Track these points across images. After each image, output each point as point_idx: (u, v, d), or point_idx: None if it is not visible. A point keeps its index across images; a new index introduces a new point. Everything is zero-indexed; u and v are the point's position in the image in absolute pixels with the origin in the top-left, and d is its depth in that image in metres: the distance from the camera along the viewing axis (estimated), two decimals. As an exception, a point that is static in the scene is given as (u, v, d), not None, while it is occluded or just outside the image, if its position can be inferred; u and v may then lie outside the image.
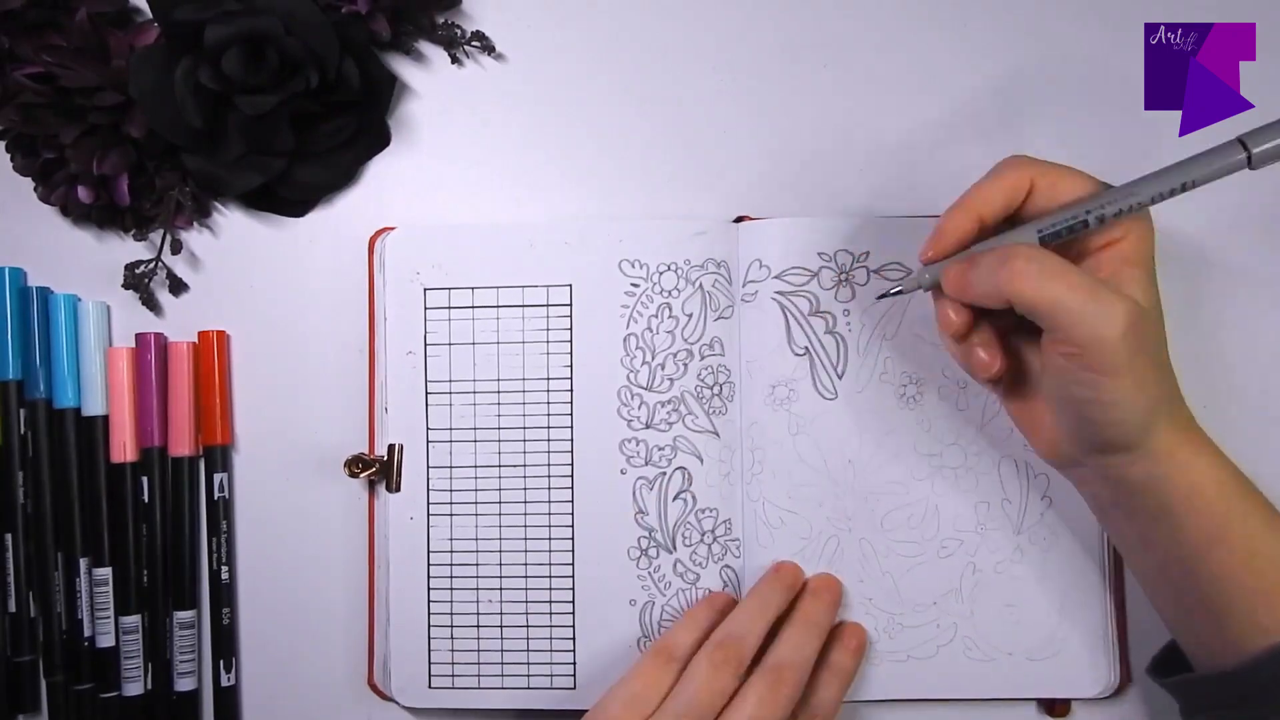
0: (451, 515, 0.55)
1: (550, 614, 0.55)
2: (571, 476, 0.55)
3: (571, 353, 0.55)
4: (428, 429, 0.55)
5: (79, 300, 0.57)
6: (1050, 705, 0.55)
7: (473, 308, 0.55)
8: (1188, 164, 0.44)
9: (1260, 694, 0.44)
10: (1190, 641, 0.48)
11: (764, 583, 0.53)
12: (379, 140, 0.57)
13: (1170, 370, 0.46)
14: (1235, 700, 0.45)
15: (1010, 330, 0.47)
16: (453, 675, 0.55)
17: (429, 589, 0.55)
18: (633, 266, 0.55)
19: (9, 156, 0.55)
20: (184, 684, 0.56)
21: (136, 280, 0.56)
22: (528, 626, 0.55)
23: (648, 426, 0.54)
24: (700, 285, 0.54)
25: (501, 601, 0.55)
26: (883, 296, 0.50)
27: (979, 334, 0.47)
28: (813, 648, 0.50)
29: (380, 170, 0.57)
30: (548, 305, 0.55)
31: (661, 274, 0.55)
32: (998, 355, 0.46)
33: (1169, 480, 0.45)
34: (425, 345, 0.55)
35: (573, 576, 0.55)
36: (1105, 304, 0.42)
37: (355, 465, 0.54)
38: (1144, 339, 0.43)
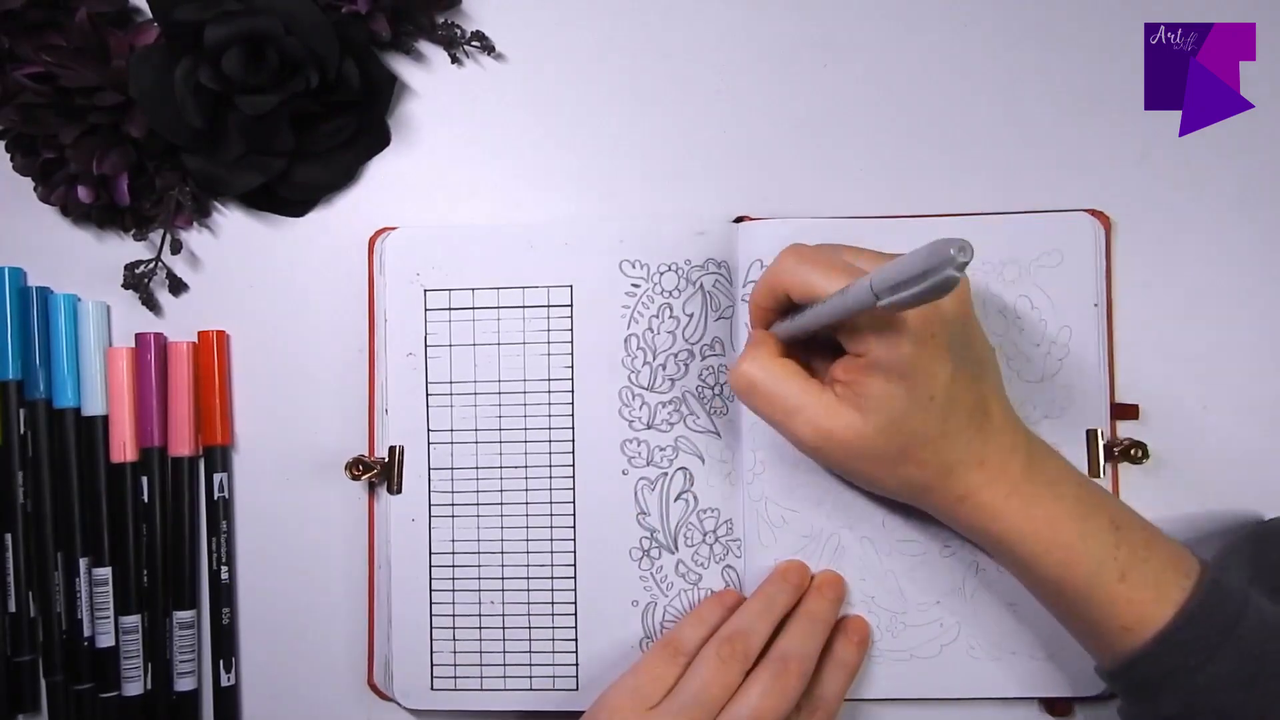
0: (453, 517, 0.55)
1: (552, 615, 0.55)
2: (573, 477, 0.55)
3: (572, 353, 0.55)
4: (428, 430, 0.55)
5: (79, 300, 0.57)
6: (1052, 705, 0.55)
7: (473, 309, 0.55)
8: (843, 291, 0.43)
9: (1139, 690, 0.45)
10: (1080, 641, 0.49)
11: (770, 581, 0.53)
12: (379, 140, 0.57)
13: (949, 447, 0.46)
14: (1126, 693, 0.47)
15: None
16: (455, 677, 0.55)
17: (431, 590, 0.55)
18: (633, 267, 0.55)
19: (9, 156, 0.55)
20: (184, 684, 0.56)
21: (136, 280, 0.56)
22: (530, 628, 0.55)
23: (649, 427, 0.54)
24: (701, 285, 0.54)
25: (503, 603, 0.55)
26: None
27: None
28: (817, 641, 0.51)
29: (380, 170, 0.57)
30: (548, 306, 0.55)
31: (662, 274, 0.55)
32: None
33: (959, 522, 0.48)
34: (426, 346, 0.55)
35: (575, 577, 0.55)
36: (795, 428, 0.47)
37: (356, 468, 0.54)
38: (845, 448, 0.46)
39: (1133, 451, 0.53)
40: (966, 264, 0.35)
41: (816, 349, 0.49)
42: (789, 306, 0.48)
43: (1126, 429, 0.54)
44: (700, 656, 0.49)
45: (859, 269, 0.45)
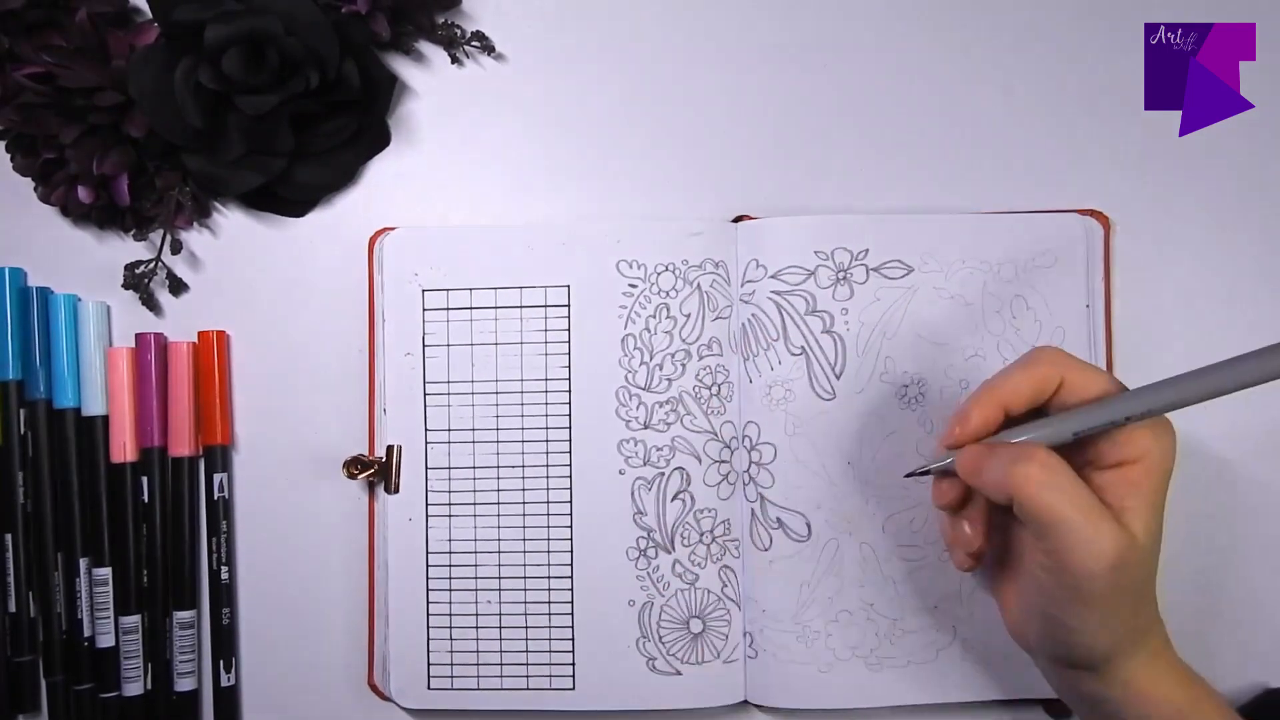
0: (450, 516, 0.55)
1: (549, 614, 0.55)
2: (570, 477, 0.55)
3: (569, 353, 0.55)
4: (426, 430, 0.55)
5: (79, 300, 0.57)
6: (1052, 706, 0.54)
7: (470, 309, 0.55)
8: (1218, 370, 0.42)
9: None
10: None
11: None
12: (379, 140, 0.57)
13: (1151, 600, 0.45)
14: None
15: (1002, 510, 0.46)
16: (452, 676, 0.55)
17: (428, 590, 0.55)
18: (630, 267, 0.55)
19: (9, 156, 0.55)
20: (184, 684, 0.56)
21: (136, 280, 0.56)
22: (527, 627, 0.55)
23: (646, 427, 0.54)
24: (698, 285, 0.54)
25: (500, 602, 0.55)
26: (910, 475, 0.49)
27: (970, 509, 0.47)
28: None
29: (380, 170, 0.57)
30: (545, 306, 0.55)
31: (659, 274, 0.55)
32: (980, 535, 0.46)
33: (1122, 705, 0.45)
34: (424, 347, 0.55)
35: (571, 577, 0.55)
36: (1100, 533, 0.41)
37: (354, 467, 0.54)
38: (1128, 575, 0.42)
39: None
40: None
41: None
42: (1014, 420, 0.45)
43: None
44: None
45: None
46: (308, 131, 0.55)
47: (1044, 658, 0.46)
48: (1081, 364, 0.44)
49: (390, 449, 0.55)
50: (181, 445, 0.56)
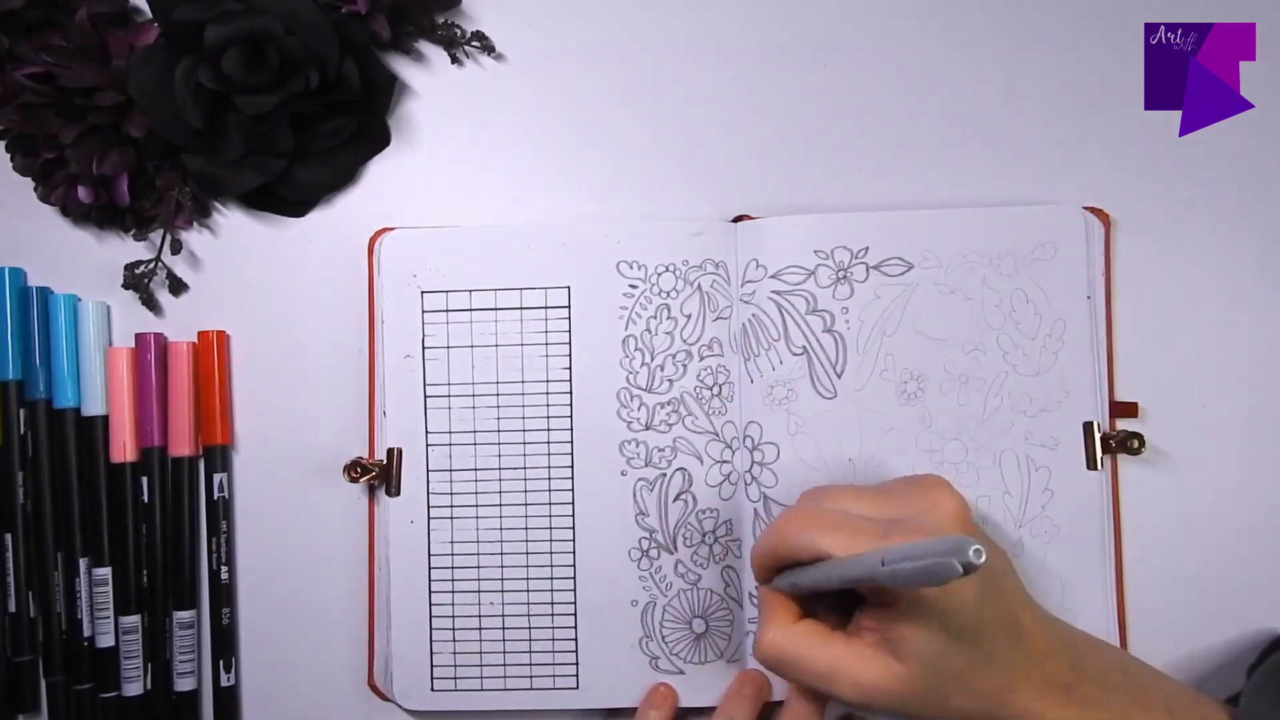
0: (452, 519, 0.55)
1: (552, 615, 0.55)
2: (572, 479, 0.55)
3: (570, 355, 0.55)
4: (427, 432, 0.55)
5: (79, 300, 0.57)
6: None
7: (470, 310, 0.55)
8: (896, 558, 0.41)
9: None
10: None
11: (729, 697, 0.54)
12: (379, 140, 0.57)
13: (999, 670, 0.45)
14: None
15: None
16: (455, 678, 0.55)
17: (430, 592, 0.55)
18: (631, 268, 0.55)
19: (9, 156, 0.55)
20: (184, 684, 0.56)
21: (136, 280, 0.56)
22: (530, 628, 0.55)
23: (647, 428, 0.54)
24: (699, 286, 0.54)
25: (503, 604, 0.55)
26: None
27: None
28: None
29: (380, 170, 0.57)
30: (546, 308, 0.55)
31: (660, 275, 0.55)
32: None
33: None
34: (423, 349, 0.55)
35: (574, 578, 0.55)
36: (836, 690, 0.44)
37: (354, 470, 0.54)
38: (899, 697, 0.44)
39: (1130, 442, 0.53)
40: (975, 568, 0.35)
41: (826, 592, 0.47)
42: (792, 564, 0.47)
43: (1127, 427, 0.54)
44: None
45: (860, 521, 0.45)
46: (308, 131, 0.55)
47: None
48: (809, 535, 0.45)
49: (391, 452, 0.55)
50: (181, 445, 0.56)
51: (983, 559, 0.35)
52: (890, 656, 0.44)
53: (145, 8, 0.55)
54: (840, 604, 0.47)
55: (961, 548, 0.36)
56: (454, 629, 0.55)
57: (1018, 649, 0.45)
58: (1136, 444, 0.53)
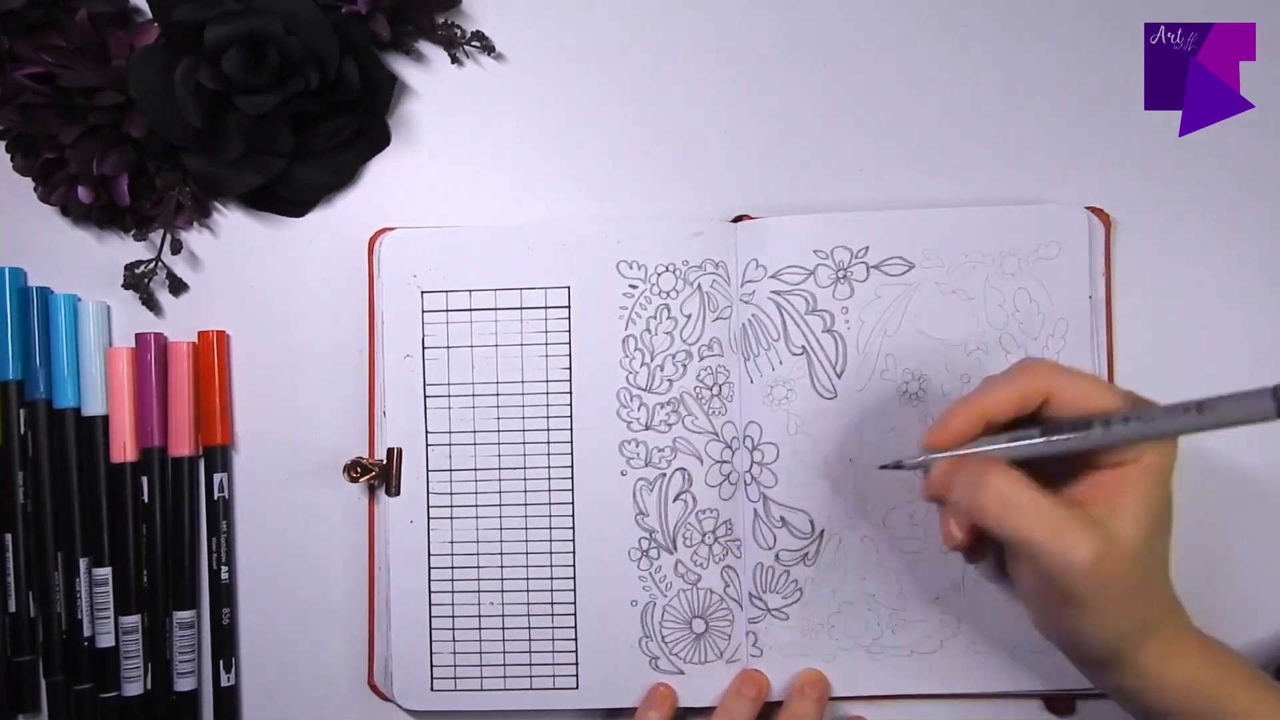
0: (452, 518, 0.55)
1: (552, 615, 0.55)
2: (571, 478, 0.55)
3: (570, 355, 0.55)
4: (427, 432, 0.55)
5: (79, 300, 0.57)
6: (1053, 702, 0.55)
7: (470, 310, 0.55)
8: (1215, 404, 0.40)
9: None
10: None
11: (729, 696, 0.54)
12: (379, 140, 0.57)
13: (1157, 590, 0.44)
14: None
15: None
16: (455, 678, 0.55)
17: (430, 592, 0.55)
18: (631, 268, 0.55)
19: (9, 156, 0.55)
20: (184, 684, 0.56)
21: (136, 280, 0.56)
22: (529, 628, 0.55)
23: (647, 428, 0.54)
24: (699, 286, 0.54)
25: (503, 604, 0.55)
26: (884, 467, 0.49)
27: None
28: None
29: (380, 170, 0.57)
30: (546, 307, 0.55)
31: (660, 275, 0.55)
32: (964, 533, 0.45)
33: (1144, 694, 0.44)
34: (423, 349, 0.55)
35: (574, 578, 0.55)
36: (1070, 545, 0.41)
37: (354, 470, 0.54)
38: (1113, 576, 0.42)
39: None
40: None
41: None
42: (1004, 425, 0.45)
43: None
44: None
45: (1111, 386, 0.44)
46: (308, 131, 0.54)
47: (1064, 653, 0.46)
48: (1072, 375, 0.44)
49: (391, 451, 0.55)
50: (181, 445, 0.56)
51: None
52: (1120, 524, 0.42)
53: (145, 8, 0.55)
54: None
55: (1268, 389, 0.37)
56: (454, 629, 0.55)
57: (1167, 581, 0.45)
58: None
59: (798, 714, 0.52)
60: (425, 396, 0.55)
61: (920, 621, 0.54)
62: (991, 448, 0.44)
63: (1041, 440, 0.43)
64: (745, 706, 0.53)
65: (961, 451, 0.44)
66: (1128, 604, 0.43)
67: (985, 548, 0.46)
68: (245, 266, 0.57)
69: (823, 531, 0.54)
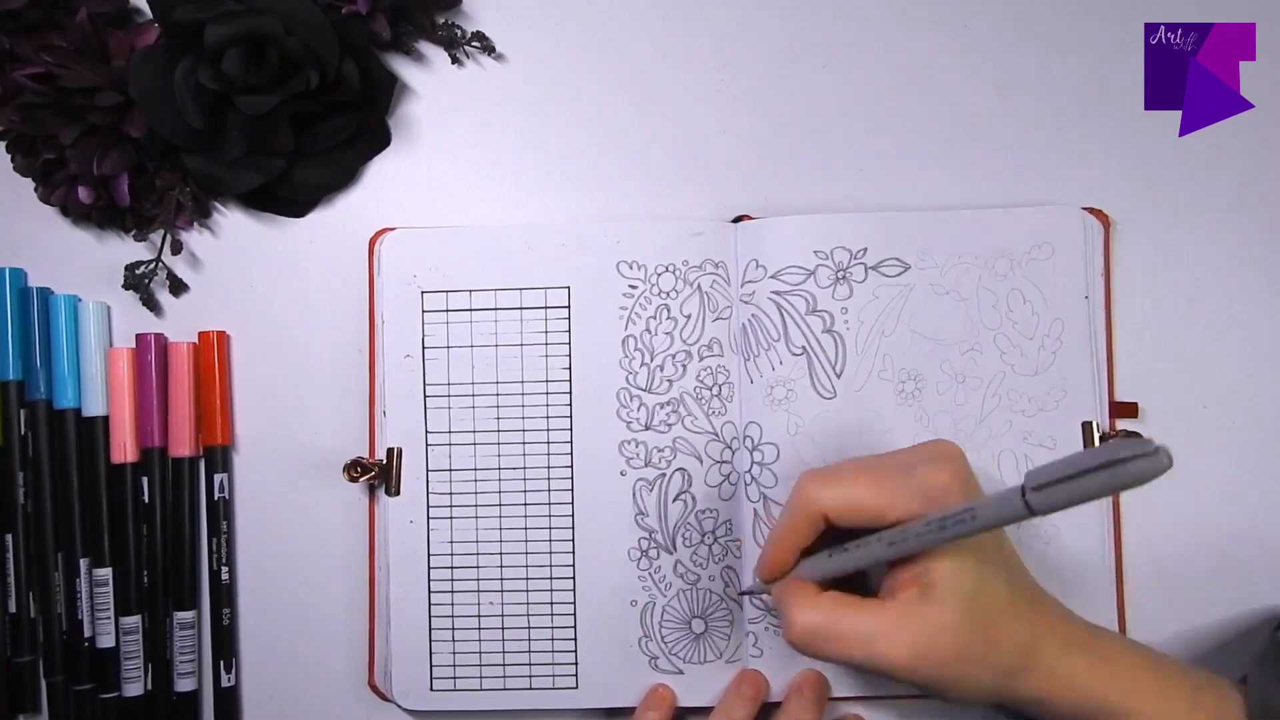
0: (451, 518, 0.55)
1: (551, 615, 0.55)
2: (571, 479, 0.55)
3: (570, 355, 0.55)
4: (426, 432, 0.55)
5: (79, 300, 0.57)
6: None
7: (470, 310, 0.55)
8: (972, 511, 0.40)
9: None
10: None
11: (728, 695, 0.54)
12: (379, 140, 0.57)
13: (1012, 629, 0.44)
14: None
15: None
16: (454, 678, 0.55)
17: (430, 592, 0.55)
18: (630, 268, 0.55)
19: (9, 156, 0.55)
20: (184, 684, 0.56)
21: (136, 280, 0.56)
22: (529, 628, 0.55)
23: (647, 428, 0.54)
24: (699, 286, 0.54)
25: (503, 604, 0.55)
26: (743, 594, 0.54)
27: None
28: None
29: (380, 170, 0.57)
30: (546, 308, 0.55)
31: (660, 275, 0.55)
32: None
33: (1050, 709, 0.45)
34: (423, 349, 0.55)
35: (574, 578, 0.55)
36: (881, 650, 0.43)
37: (354, 470, 0.54)
38: (943, 654, 0.43)
39: None
40: (1162, 451, 0.34)
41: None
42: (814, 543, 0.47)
43: (1126, 427, 0.54)
44: None
45: (909, 480, 0.44)
46: (308, 131, 0.55)
47: None
48: (838, 487, 0.45)
49: (391, 451, 0.55)
50: (182, 445, 0.56)
51: (1160, 446, 0.34)
52: (932, 604, 0.43)
53: (145, 8, 0.55)
54: (854, 582, 0.47)
55: (1136, 443, 0.34)
56: (453, 629, 0.55)
57: (1039, 603, 0.45)
58: (1134, 442, 0.53)
59: (796, 714, 0.52)
60: (425, 396, 0.55)
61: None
62: (799, 572, 0.47)
63: (830, 560, 0.46)
64: (744, 706, 0.53)
65: (789, 577, 0.47)
66: (977, 665, 0.43)
67: None
68: (245, 266, 0.57)
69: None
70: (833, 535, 0.46)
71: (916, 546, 0.42)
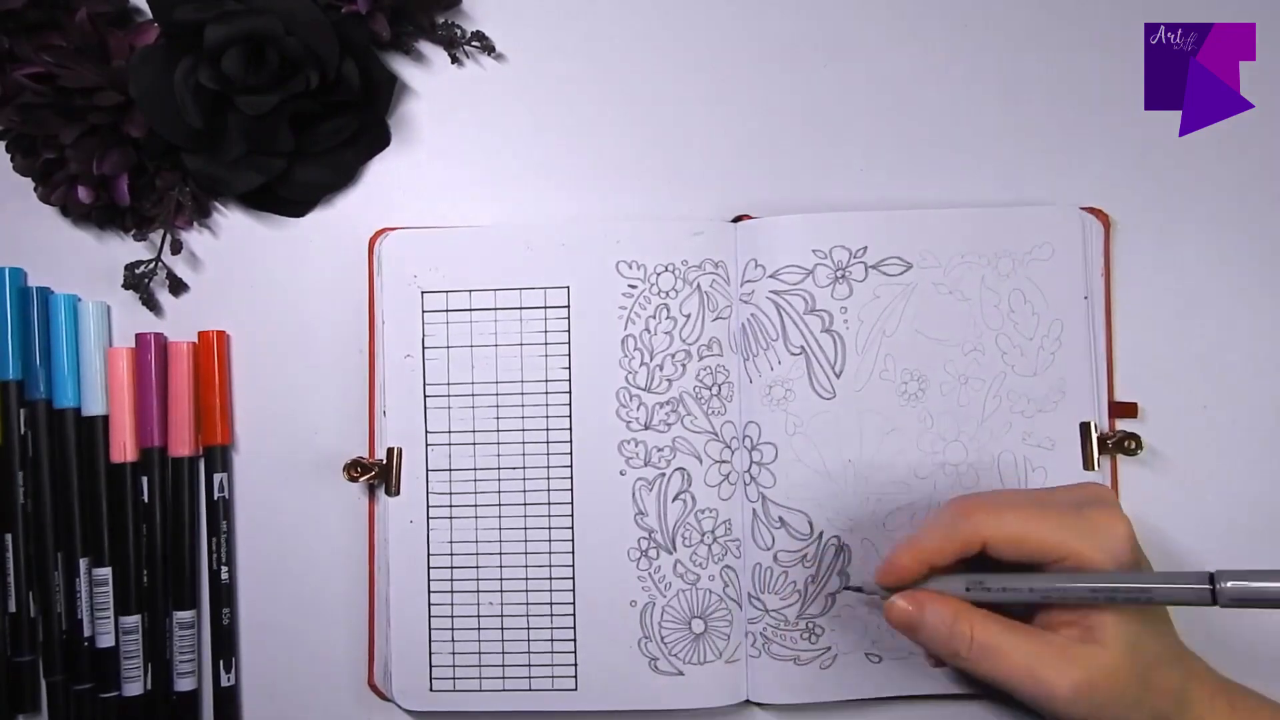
0: (451, 518, 0.55)
1: (551, 615, 0.55)
2: (571, 478, 0.55)
3: (570, 355, 0.55)
4: (426, 432, 0.55)
5: (79, 300, 0.57)
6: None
7: (470, 310, 0.55)
8: (1155, 582, 0.44)
9: None
10: None
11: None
12: (379, 140, 0.57)
13: (1164, 681, 0.45)
14: None
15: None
16: (454, 678, 0.55)
17: (429, 592, 0.55)
18: (630, 268, 0.55)
19: (9, 156, 0.55)
20: (184, 684, 0.56)
21: (136, 280, 0.56)
22: (529, 628, 0.55)
23: (646, 428, 0.54)
24: (698, 285, 0.54)
25: (502, 604, 0.55)
26: (848, 589, 0.53)
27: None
28: None
29: (380, 170, 0.57)
30: (545, 307, 0.55)
31: (659, 275, 0.55)
32: (936, 661, 0.50)
33: None
34: (423, 349, 0.55)
35: (573, 578, 0.55)
36: (1044, 678, 0.44)
37: (354, 469, 0.54)
38: (1100, 696, 0.43)
39: (1126, 443, 0.53)
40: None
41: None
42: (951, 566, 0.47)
43: (1126, 427, 0.54)
44: None
45: (1080, 522, 0.45)
46: (308, 131, 0.55)
47: None
48: (1004, 518, 0.45)
49: (391, 451, 0.55)
50: (181, 445, 0.56)
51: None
52: (1095, 646, 0.44)
53: (145, 8, 0.55)
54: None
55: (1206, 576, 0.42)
56: (453, 629, 0.55)
57: (1186, 654, 0.47)
58: (1133, 445, 0.53)
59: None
60: (425, 396, 0.55)
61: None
62: (948, 589, 0.47)
63: (968, 593, 0.46)
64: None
65: (924, 589, 0.47)
66: (1132, 708, 0.44)
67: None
68: (245, 266, 0.57)
69: (821, 533, 0.54)
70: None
71: (1074, 604, 0.44)
